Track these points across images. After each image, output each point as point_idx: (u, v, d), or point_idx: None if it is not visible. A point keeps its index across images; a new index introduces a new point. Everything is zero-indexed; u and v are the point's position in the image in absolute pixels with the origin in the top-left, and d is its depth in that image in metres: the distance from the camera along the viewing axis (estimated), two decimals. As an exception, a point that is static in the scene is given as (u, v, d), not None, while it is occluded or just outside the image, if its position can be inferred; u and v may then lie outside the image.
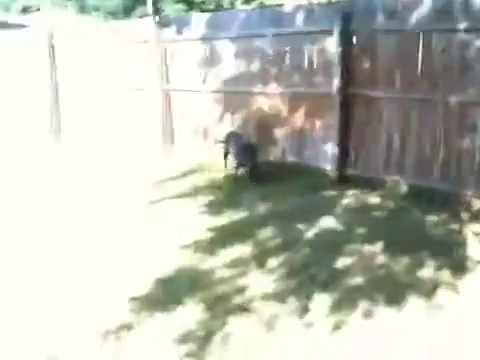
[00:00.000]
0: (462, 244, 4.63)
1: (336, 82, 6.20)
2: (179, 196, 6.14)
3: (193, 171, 7.24)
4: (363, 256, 4.42)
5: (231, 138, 6.81)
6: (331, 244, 4.65)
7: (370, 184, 6.18)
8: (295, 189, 6.22)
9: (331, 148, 6.49)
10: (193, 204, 5.86)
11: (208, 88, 7.66)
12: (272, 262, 4.30)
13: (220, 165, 7.19)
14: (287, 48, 6.72)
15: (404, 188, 5.99)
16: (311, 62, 6.53)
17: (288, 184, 6.40)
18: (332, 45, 6.20)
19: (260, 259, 4.35)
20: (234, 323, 3.39)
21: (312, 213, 5.42)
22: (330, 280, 3.97)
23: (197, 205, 5.83)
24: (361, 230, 4.97)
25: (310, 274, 4.07)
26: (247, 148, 6.49)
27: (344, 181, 6.39)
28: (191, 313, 3.52)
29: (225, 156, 6.90)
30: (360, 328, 3.36)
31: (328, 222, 5.17)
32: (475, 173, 5.52)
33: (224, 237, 4.84)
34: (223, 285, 3.92)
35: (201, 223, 5.23)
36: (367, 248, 4.57)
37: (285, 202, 5.81)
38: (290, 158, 6.99)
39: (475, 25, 5.20)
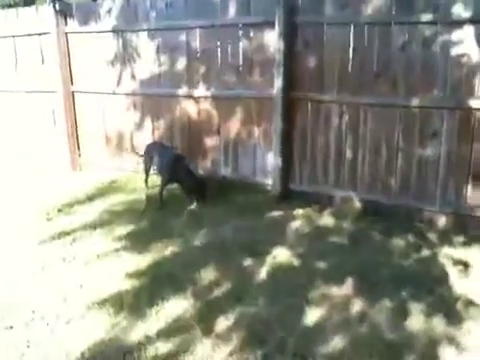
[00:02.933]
0: (442, 276, 3.86)
1: (278, 83, 5.26)
2: (88, 227, 4.87)
3: (106, 190, 5.98)
4: (334, 303, 3.48)
5: (154, 150, 5.63)
6: (291, 287, 3.68)
7: (318, 201, 5.34)
8: (234, 211, 5.20)
9: (272, 160, 5.55)
10: (107, 237, 4.63)
11: (123, 90, 6.42)
12: (222, 323, 3.24)
13: (139, 182, 5.99)
14: (218, 43, 5.67)
15: (357, 205, 5.20)
16: (248, 60, 5.54)
17: (224, 204, 5.36)
18: (273, 40, 5.25)
19: (206, 319, 3.26)
20: None
21: (259, 242, 4.43)
22: (304, 348, 2.98)
23: (113, 239, 4.61)
24: (321, 264, 4.05)
25: (277, 339, 3.05)
26: (177, 161, 5.34)
27: (288, 198, 5.49)
28: None
29: (146, 172, 5.70)
30: None
31: (281, 254, 4.21)
32: (438, 186, 4.82)
33: (153, 286, 3.70)
34: (161, 370, 2.80)
35: (119, 265, 4.05)
36: (335, 290, 3.65)
37: (224, 228, 4.77)
38: (223, 172, 5.96)
39: (440, 17, 4.48)
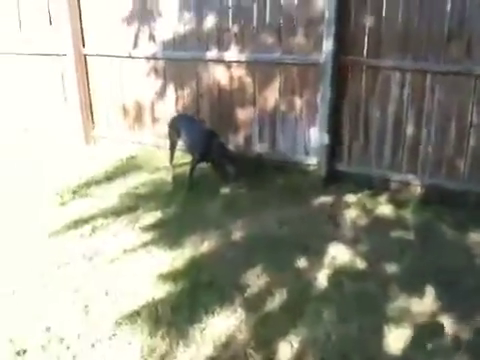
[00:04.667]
0: None
1: (327, 46, 4.47)
2: (109, 213, 4.20)
3: (126, 168, 5.27)
4: (419, 322, 2.82)
5: (182, 123, 4.88)
6: (361, 298, 3.02)
7: (371, 185, 4.63)
8: (274, 195, 4.51)
9: (316, 136, 4.81)
10: (132, 227, 3.97)
11: (142, 53, 5.64)
12: (286, 350, 2.59)
13: (162, 159, 5.28)
14: (255, -3, 4.87)
15: (418, 191, 4.49)
16: (290, 18, 4.73)
17: (262, 187, 4.66)
18: (323, -7, 4.44)
19: (264, 344, 2.62)
20: None
21: (311, 236, 3.76)
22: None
23: (140, 229, 3.94)
24: (391, 267, 3.38)
25: (360, 377, 2.40)
26: (211, 138, 4.61)
27: (335, 180, 4.77)
28: None
29: (172, 147, 4.97)
30: None
31: (340, 253, 3.53)
32: (518, 171, 4.10)
33: (193, 293, 3.05)
34: None
35: (150, 264, 3.40)
36: (416, 304, 2.98)
37: (267, 217, 4.09)
38: (259, 149, 5.23)
39: None
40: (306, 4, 4.58)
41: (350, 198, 4.44)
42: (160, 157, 5.39)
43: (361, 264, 3.40)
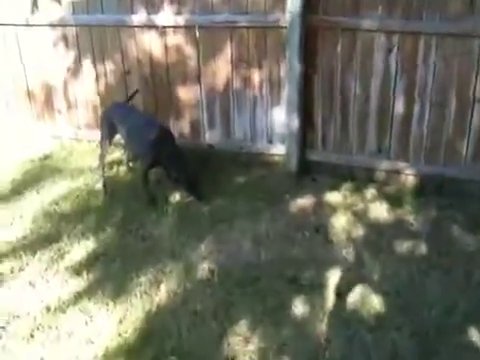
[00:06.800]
0: None
1: (292, 3, 3.46)
2: (20, 248, 3.05)
3: (39, 173, 4.04)
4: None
5: (121, 117, 3.64)
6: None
7: (352, 176, 3.81)
8: (240, 201, 3.53)
9: (283, 118, 3.86)
10: (56, 269, 2.88)
11: (45, 19, 4.32)
12: None
13: (86, 156, 4.13)
14: None
15: (411, 180, 3.70)
16: (242, -33, 3.66)
17: (222, 191, 3.66)
18: None
19: None
20: None
21: (300, 263, 2.89)
22: None
23: (66, 272, 2.85)
24: (418, 304, 2.56)
25: None
26: (165, 138, 3.48)
27: (308, 172, 3.89)
28: None
29: (104, 143, 3.74)
30: None
31: (343, 288, 2.66)
32: None
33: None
34: None
35: (86, 333, 2.37)
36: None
37: (237, 237, 3.13)
38: (209, 138, 4.19)
39: None
40: None
41: (333, 197, 3.57)
42: (82, 154, 4.25)
43: (378, 304, 2.54)
